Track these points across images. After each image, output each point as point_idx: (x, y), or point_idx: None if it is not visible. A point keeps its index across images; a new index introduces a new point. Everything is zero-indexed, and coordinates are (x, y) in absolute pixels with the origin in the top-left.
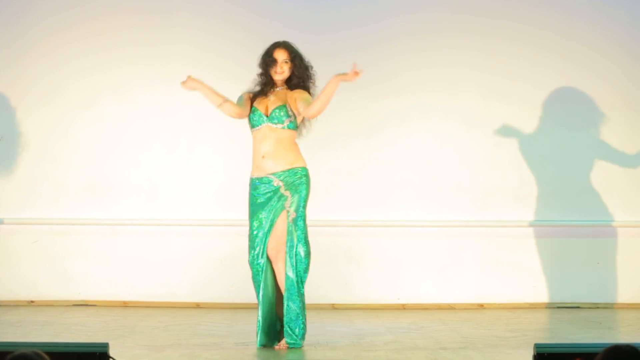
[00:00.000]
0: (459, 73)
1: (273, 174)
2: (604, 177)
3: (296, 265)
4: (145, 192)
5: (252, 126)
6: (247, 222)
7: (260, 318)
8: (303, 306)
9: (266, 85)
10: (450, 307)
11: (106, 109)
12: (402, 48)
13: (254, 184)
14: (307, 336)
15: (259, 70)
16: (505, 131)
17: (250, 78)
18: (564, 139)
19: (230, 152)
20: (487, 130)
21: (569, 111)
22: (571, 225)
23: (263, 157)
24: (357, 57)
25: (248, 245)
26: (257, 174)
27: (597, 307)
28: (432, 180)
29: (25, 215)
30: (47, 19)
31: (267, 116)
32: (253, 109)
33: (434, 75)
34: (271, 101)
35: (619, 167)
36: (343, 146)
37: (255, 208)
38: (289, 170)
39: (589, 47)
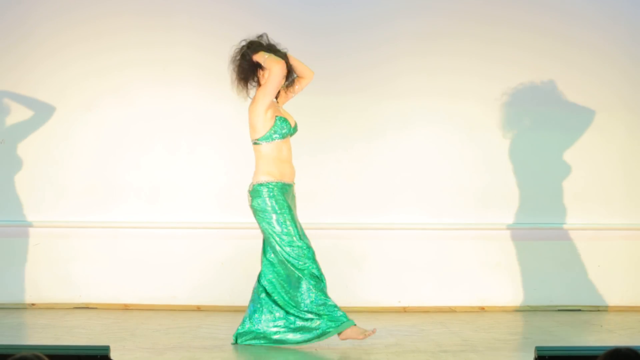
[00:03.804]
0: (459, 76)
1: (293, 182)
2: (604, 180)
3: None
4: (146, 194)
5: (285, 135)
6: (254, 223)
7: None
8: None
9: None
10: (451, 310)
11: (107, 112)
12: (403, 51)
13: (285, 189)
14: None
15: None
16: (506, 135)
17: (232, 69)
18: (563, 142)
19: (231, 155)
20: (487, 133)
21: (569, 115)
22: (572, 228)
23: (290, 165)
24: (358, 59)
25: (302, 250)
26: (287, 180)
27: (598, 310)
28: (433, 183)
29: (26, 218)
30: (47, 22)
31: (293, 128)
32: (281, 118)
33: (434, 79)
34: (283, 112)
35: (618, 169)
36: (344, 149)
37: (291, 213)
38: None
39: (589, 51)
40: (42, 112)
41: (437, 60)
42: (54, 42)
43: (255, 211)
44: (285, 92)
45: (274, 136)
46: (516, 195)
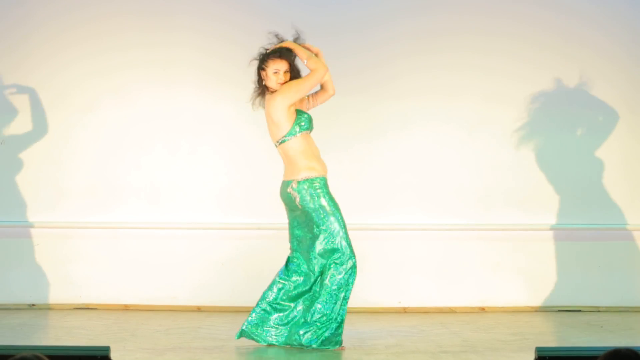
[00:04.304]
0: (459, 76)
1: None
2: (605, 180)
3: None
4: (146, 195)
5: (308, 128)
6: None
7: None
8: None
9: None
10: (452, 311)
11: (107, 112)
12: (403, 51)
13: (326, 182)
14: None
15: (255, 77)
16: (506, 134)
17: (251, 80)
18: (565, 141)
19: (232, 155)
20: (488, 133)
21: (570, 114)
22: (572, 229)
23: (320, 156)
24: (358, 60)
25: (346, 238)
26: (325, 174)
27: (599, 311)
28: (433, 183)
29: (26, 218)
30: (48, 23)
31: (311, 121)
32: (301, 110)
33: (435, 78)
34: (298, 106)
35: (619, 170)
36: (344, 149)
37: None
38: None
39: (590, 50)
40: (43, 112)
41: (438, 60)
42: (54, 42)
43: (309, 210)
44: (300, 102)
45: (299, 129)
46: (516, 195)
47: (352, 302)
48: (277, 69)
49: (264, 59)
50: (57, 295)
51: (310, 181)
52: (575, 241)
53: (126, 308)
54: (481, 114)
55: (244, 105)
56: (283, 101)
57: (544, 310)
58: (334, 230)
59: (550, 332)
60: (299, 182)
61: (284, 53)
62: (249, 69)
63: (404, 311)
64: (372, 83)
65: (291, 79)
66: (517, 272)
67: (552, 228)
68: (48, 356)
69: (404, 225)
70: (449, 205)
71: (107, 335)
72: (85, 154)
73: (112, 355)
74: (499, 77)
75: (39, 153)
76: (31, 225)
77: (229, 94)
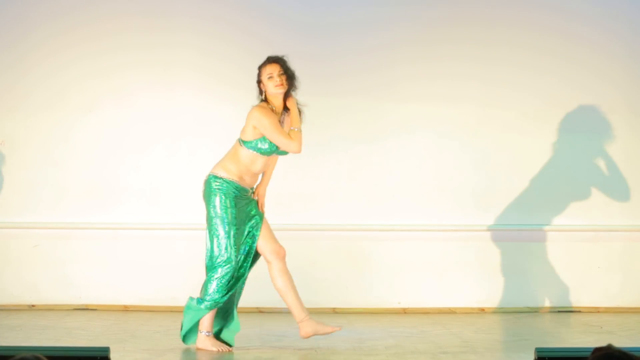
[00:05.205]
0: (459, 77)
1: (251, 187)
2: (605, 181)
3: None
4: (146, 195)
5: (265, 153)
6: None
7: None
8: None
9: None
10: (451, 311)
11: (107, 113)
12: (403, 54)
13: (236, 190)
14: (308, 340)
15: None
16: (506, 134)
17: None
18: (564, 143)
19: None
20: (487, 135)
21: (570, 116)
22: (572, 230)
23: (253, 175)
24: (359, 62)
25: (228, 244)
26: (242, 184)
27: (598, 312)
28: (433, 185)
29: (26, 219)
30: (47, 22)
31: (277, 149)
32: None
33: (435, 81)
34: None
35: (619, 171)
36: (344, 150)
37: (237, 212)
38: None
39: (589, 51)
40: (43, 113)
41: (438, 62)
42: (54, 42)
43: (206, 204)
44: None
45: (254, 148)
46: (516, 197)
47: (352, 303)
48: (270, 73)
49: (258, 70)
50: (56, 295)
51: (220, 179)
52: (575, 241)
53: (126, 309)
54: (481, 115)
55: (243, 106)
56: (255, 120)
57: (544, 310)
58: (212, 233)
59: (550, 333)
60: (209, 176)
61: (272, 58)
62: (249, 70)
63: (404, 312)
64: (372, 84)
65: (287, 79)
66: (517, 272)
67: (552, 228)
68: (48, 357)
69: (404, 226)
70: (448, 207)
71: (107, 336)
72: (85, 155)
73: (112, 356)
74: (497, 81)
75: (39, 153)
76: (31, 226)
77: (228, 95)
